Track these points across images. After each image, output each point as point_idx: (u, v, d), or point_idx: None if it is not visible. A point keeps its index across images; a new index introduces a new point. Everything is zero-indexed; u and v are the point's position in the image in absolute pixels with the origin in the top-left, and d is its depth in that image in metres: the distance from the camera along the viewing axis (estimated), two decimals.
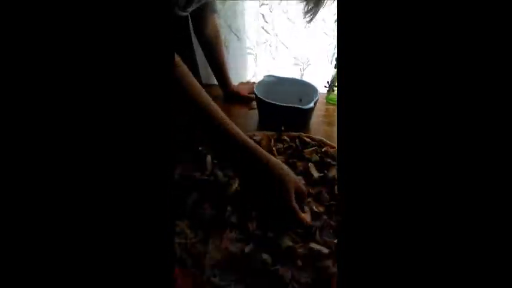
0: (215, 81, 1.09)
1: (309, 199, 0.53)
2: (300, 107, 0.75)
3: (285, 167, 0.44)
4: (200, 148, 0.62)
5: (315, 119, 0.87)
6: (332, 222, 0.48)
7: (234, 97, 0.92)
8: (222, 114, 0.42)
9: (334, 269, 0.40)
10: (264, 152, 0.43)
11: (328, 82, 1.00)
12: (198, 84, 0.41)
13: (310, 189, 0.55)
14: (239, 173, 0.44)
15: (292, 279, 0.39)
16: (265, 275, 0.40)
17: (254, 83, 0.94)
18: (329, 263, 0.41)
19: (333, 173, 0.58)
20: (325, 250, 0.42)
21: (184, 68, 0.39)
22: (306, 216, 0.44)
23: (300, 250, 0.43)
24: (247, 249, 0.42)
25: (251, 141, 0.43)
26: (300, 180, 0.48)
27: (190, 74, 0.40)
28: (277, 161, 0.44)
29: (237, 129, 0.42)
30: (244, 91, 0.93)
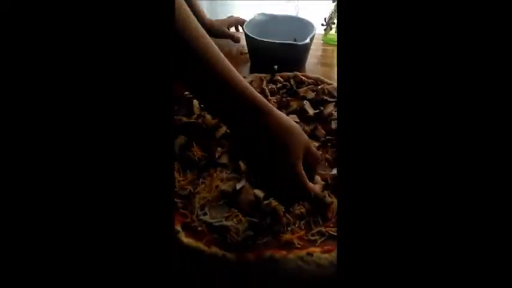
0: None
1: None
2: (295, 43, 0.69)
3: (296, 125, 0.35)
4: (186, 93, 0.58)
5: (312, 60, 0.81)
6: (327, 156, 0.46)
7: (213, 35, 0.78)
8: (221, 56, 0.32)
9: (329, 199, 0.38)
10: (271, 106, 0.33)
11: (325, 19, 0.91)
12: (193, 17, 0.31)
13: (305, 126, 0.52)
14: (235, 127, 0.34)
15: (285, 212, 0.38)
16: (257, 209, 0.38)
17: (237, 18, 0.83)
18: (324, 194, 0.39)
19: (329, 109, 0.54)
20: (320, 182, 0.40)
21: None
22: (316, 188, 0.35)
23: None
24: (238, 185, 0.40)
25: (255, 92, 0.33)
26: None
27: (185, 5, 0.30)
28: (286, 116, 0.35)
29: (239, 77, 0.33)
30: (224, 26, 0.81)
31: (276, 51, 0.69)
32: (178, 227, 0.36)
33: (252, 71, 0.75)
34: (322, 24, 0.92)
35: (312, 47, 0.77)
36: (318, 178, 0.38)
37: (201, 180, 0.43)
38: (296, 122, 0.51)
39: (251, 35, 0.70)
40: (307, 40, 0.69)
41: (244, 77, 0.64)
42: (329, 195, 0.39)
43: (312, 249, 0.33)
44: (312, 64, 0.81)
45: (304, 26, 0.77)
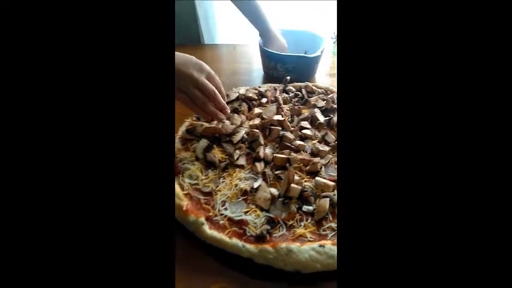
0: (218, 41, 1.07)
1: (315, 141, 0.54)
2: (305, 55, 0.74)
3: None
4: None
5: (321, 72, 0.86)
6: (336, 159, 0.49)
7: None
8: None
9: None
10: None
11: (334, 33, 0.96)
12: None
13: (316, 132, 0.56)
14: None
15: (298, 208, 0.41)
16: (274, 205, 0.42)
17: None
18: (334, 193, 0.43)
19: None
20: (330, 183, 0.44)
21: None
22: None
23: (307, 184, 0.45)
24: (255, 184, 0.44)
25: None
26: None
27: None
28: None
29: None
30: None
31: (288, 63, 0.74)
32: (202, 219, 0.40)
33: (265, 82, 0.80)
34: (332, 38, 0.97)
35: (322, 59, 0.82)
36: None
37: (221, 180, 0.47)
38: (307, 128, 0.56)
39: (265, 48, 0.76)
40: (318, 53, 0.74)
41: (259, 86, 0.69)
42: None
43: (323, 241, 0.37)
44: (322, 75, 0.86)
45: (314, 39, 0.82)
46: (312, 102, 0.63)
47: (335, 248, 0.36)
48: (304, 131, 0.55)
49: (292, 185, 0.42)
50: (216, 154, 0.51)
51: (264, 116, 0.59)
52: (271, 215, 0.41)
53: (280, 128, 0.54)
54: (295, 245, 0.36)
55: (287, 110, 0.62)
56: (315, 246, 0.36)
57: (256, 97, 0.65)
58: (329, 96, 0.65)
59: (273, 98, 0.64)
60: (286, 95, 0.67)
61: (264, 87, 0.69)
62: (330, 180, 0.45)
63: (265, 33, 0.80)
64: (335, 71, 0.90)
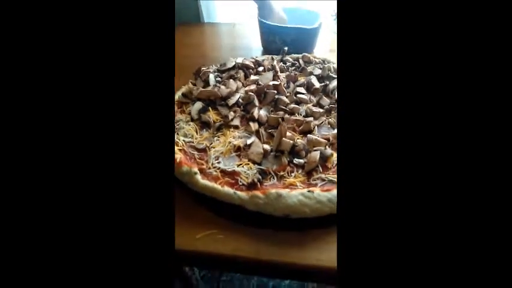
0: (217, 19, 1.07)
1: (310, 104, 0.54)
2: (304, 27, 0.74)
3: None
4: (204, 68, 0.63)
5: (319, 49, 0.86)
6: (330, 120, 0.50)
7: None
8: None
9: (329, 151, 0.42)
10: None
11: (334, 10, 0.96)
12: None
13: (311, 97, 0.56)
14: None
15: (290, 162, 0.42)
16: (266, 159, 0.43)
17: None
18: (326, 148, 0.43)
19: (334, 84, 0.59)
20: (322, 140, 0.44)
21: None
22: None
23: (299, 141, 0.45)
24: (249, 141, 0.45)
25: None
26: None
27: None
28: None
29: None
30: None
31: (285, 35, 0.74)
32: (195, 169, 0.41)
33: (263, 53, 0.81)
34: (332, 15, 0.97)
35: (321, 36, 0.81)
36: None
37: (215, 139, 0.48)
38: (302, 93, 0.56)
39: (264, 20, 0.76)
40: (316, 25, 0.74)
41: (256, 57, 0.70)
42: (330, 149, 0.43)
43: (312, 188, 0.38)
44: (320, 52, 0.85)
45: (311, 17, 0.81)
46: (309, 70, 0.63)
47: (324, 193, 0.37)
48: (299, 96, 0.55)
49: (284, 139, 0.43)
50: (211, 115, 0.51)
51: (260, 83, 0.59)
52: (263, 167, 0.42)
53: (275, 92, 0.55)
54: (284, 191, 0.37)
55: (283, 78, 0.62)
56: (304, 192, 0.37)
57: (253, 65, 0.65)
58: (326, 65, 0.65)
59: (269, 66, 0.65)
60: (283, 65, 0.67)
61: (261, 57, 0.69)
62: (323, 138, 0.46)
63: (265, 8, 0.80)
64: (334, 47, 0.90)
